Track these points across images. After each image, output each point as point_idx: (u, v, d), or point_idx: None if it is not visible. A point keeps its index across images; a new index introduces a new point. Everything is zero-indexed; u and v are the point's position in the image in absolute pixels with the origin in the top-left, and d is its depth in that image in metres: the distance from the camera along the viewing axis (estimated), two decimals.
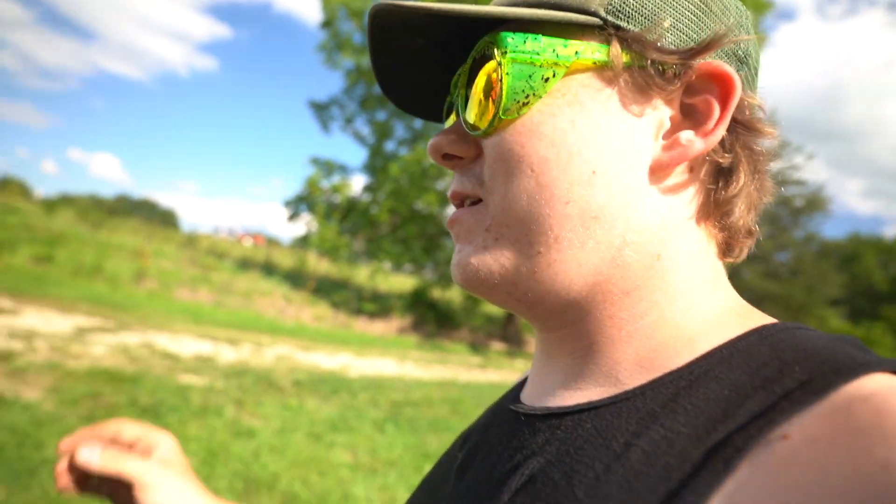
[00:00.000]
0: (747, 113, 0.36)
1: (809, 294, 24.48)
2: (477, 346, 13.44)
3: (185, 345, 6.47)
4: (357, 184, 17.82)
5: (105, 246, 12.35)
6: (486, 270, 0.36)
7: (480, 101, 0.36)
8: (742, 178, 0.36)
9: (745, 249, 0.40)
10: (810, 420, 0.24)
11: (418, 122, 15.16)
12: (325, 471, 3.57)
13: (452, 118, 0.44)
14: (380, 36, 0.39)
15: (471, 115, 0.37)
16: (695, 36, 0.34)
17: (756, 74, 0.39)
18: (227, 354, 6.54)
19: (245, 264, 16.11)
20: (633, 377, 0.34)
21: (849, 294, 31.24)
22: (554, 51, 0.34)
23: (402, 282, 19.19)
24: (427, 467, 4.11)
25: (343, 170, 15.55)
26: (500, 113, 0.34)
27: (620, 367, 0.35)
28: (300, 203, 15.63)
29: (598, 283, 0.35)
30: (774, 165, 0.39)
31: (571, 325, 0.38)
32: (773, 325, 0.34)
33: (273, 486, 3.18)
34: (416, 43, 0.40)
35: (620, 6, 0.34)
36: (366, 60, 14.61)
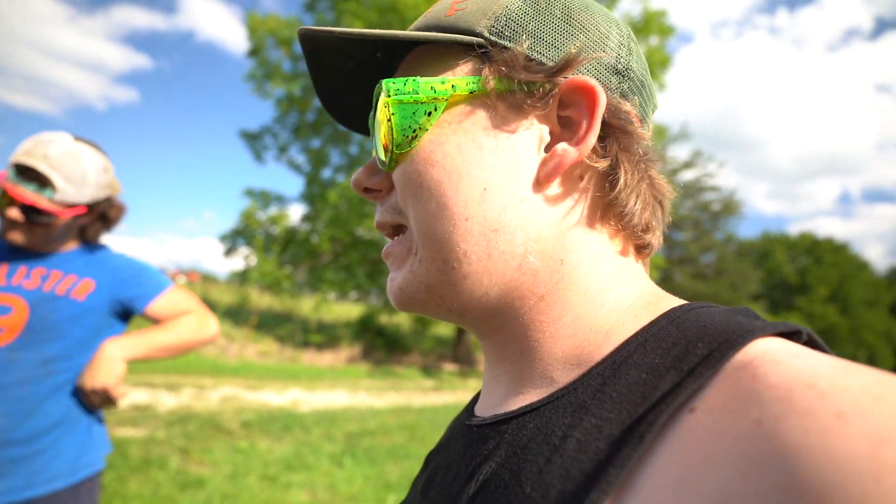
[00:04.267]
0: (623, 118, 0.39)
1: (733, 291, 26.35)
2: (429, 369, 13.38)
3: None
4: (295, 214, 17.44)
5: None
6: (413, 290, 0.41)
7: (381, 139, 0.40)
8: (623, 178, 0.39)
9: (653, 246, 0.43)
10: (709, 392, 0.28)
11: (354, 148, 15.14)
12: None
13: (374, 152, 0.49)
14: (313, 59, 0.43)
15: (378, 151, 0.42)
16: (559, 54, 0.38)
17: (642, 85, 0.42)
18: (166, 401, 6.14)
19: None
20: (565, 375, 0.37)
21: (766, 288, 33.94)
22: (432, 88, 0.38)
23: (347, 310, 18.81)
24: (390, 498, 4.03)
25: (280, 200, 15.18)
26: (395, 148, 0.39)
27: (552, 367, 0.38)
28: (236, 237, 15.05)
29: (512, 289, 0.39)
30: (661, 165, 0.43)
31: (501, 330, 0.41)
32: (680, 307, 0.37)
33: None
34: (347, 65, 0.44)
35: (501, 28, 0.38)
36: (296, 89, 14.49)
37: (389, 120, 0.39)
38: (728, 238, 28.81)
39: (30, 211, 1.35)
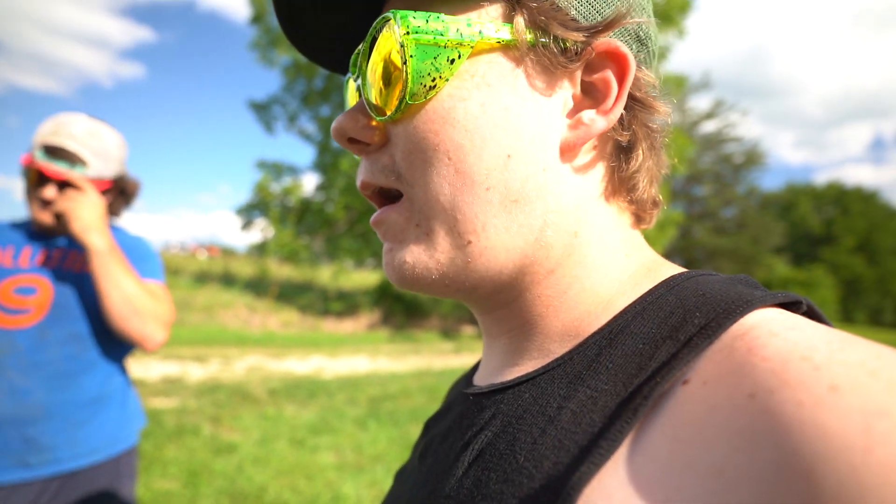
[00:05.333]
0: (644, 91, 0.37)
1: (755, 245, 25.91)
2: (448, 332, 13.58)
3: (151, 368, 6.26)
4: (309, 183, 17.45)
5: None
6: (422, 268, 0.36)
7: (383, 83, 0.35)
8: (641, 154, 0.38)
9: (654, 218, 0.42)
10: (703, 363, 0.27)
11: None
12: (311, 475, 3.58)
13: (355, 96, 0.42)
14: None
15: (375, 98, 0.36)
16: (597, 14, 0.34)
17: (654, 56, 0.40)
18: (195, 372, 6.37)
19: (202, 278, 15.59)
20: (562, 346, 0.36)
21: (790, 241, 33.27)
22: (458, 30, 0.33)
23: (365, 277, 19.07)
24: None
25: (293, 171, 15.18)
26: (408, 98, 0.33)
27: (551, 339, 0.37)
28: (252, 210, 15.17)
29: (525, 265, 0.37)
30: (667, 138, 0.41)
31: (505, 306, 0.40)
32: (679, 274, 0.36)
33: (261, 497, 3.18)
34: None
35: None
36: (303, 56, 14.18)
37: (405, 62, 0.33)
38: (750, 191, 28.09)
39: (64, 189, 1.41)
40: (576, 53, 0.34)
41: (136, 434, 1.56)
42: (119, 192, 1.59)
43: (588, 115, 0.35)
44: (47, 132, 1.42)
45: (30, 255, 1.44)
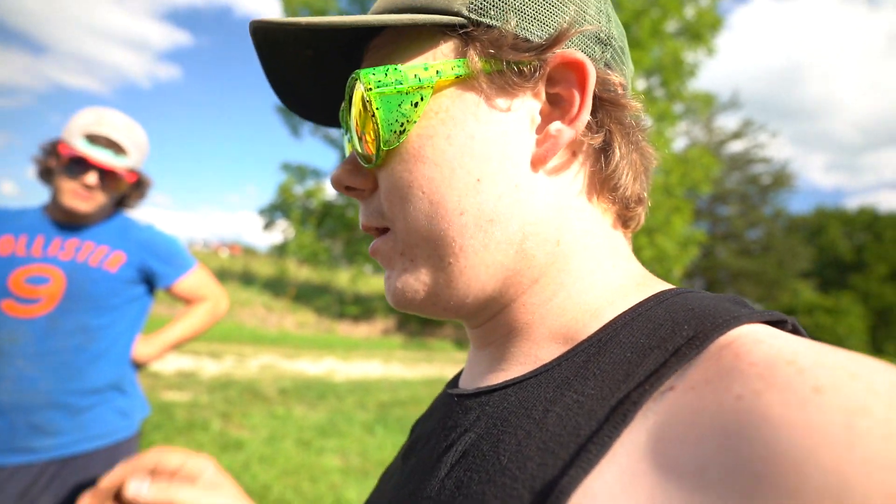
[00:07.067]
0: (618, 91, 0.39)
1: (781, 268, 25.21)
2: (462, 342, 13.49)
3: (166, 361, 6.36)
4: (331, 187, 17.62)
5: None
6: (411, 290, 0.39)
7: (362, 135, 0.38)
8: (618, 151, 0.39)
9: (640, 218, 0.43)
10: (691, 371, 0.28)
11: None
12: (316, 477, 3.57)
13: (349, 148, 0.46)
14: (268, 50, 0.40)
15: (360, 148, 0.39)
16: (547, 29, 0.36)
17: (623, 52, 0.41)
18: (209, 368, 6.45)
19: (223, 275, 15.84)
20: (550, 352, 0.37)
21: (817, 266, 32.29)
22: (416, 76, 0.36)
23: (382, 283, 19.11)
24: None
25: (316, 174, 15.39)
26: (382, 145, 0.36)
27: (538, 346, 0.38)
28: (274, 211, 15.42)
29: (508, 277, 0.38)
30: (648, 132, 0.42)
31: (492, 318, 0.41)
32: (669, 290, 0.37)
33: (265, 496, 3.17)
34: (304, 54, 0.41)
35: (481, 4, 0.35)
36: None
37: (374, 115, 0.36)
38: (777, 213, 27.45)
39: (103, 176, 1.45)
40: (533, 71, 0.36)
41: (137, 423, 1.58)
42: (137, 185, 1.62)
43: (555, 126, 0.37)
44: (90, 122, 1.43)
45: (42, 243, 1.44)
